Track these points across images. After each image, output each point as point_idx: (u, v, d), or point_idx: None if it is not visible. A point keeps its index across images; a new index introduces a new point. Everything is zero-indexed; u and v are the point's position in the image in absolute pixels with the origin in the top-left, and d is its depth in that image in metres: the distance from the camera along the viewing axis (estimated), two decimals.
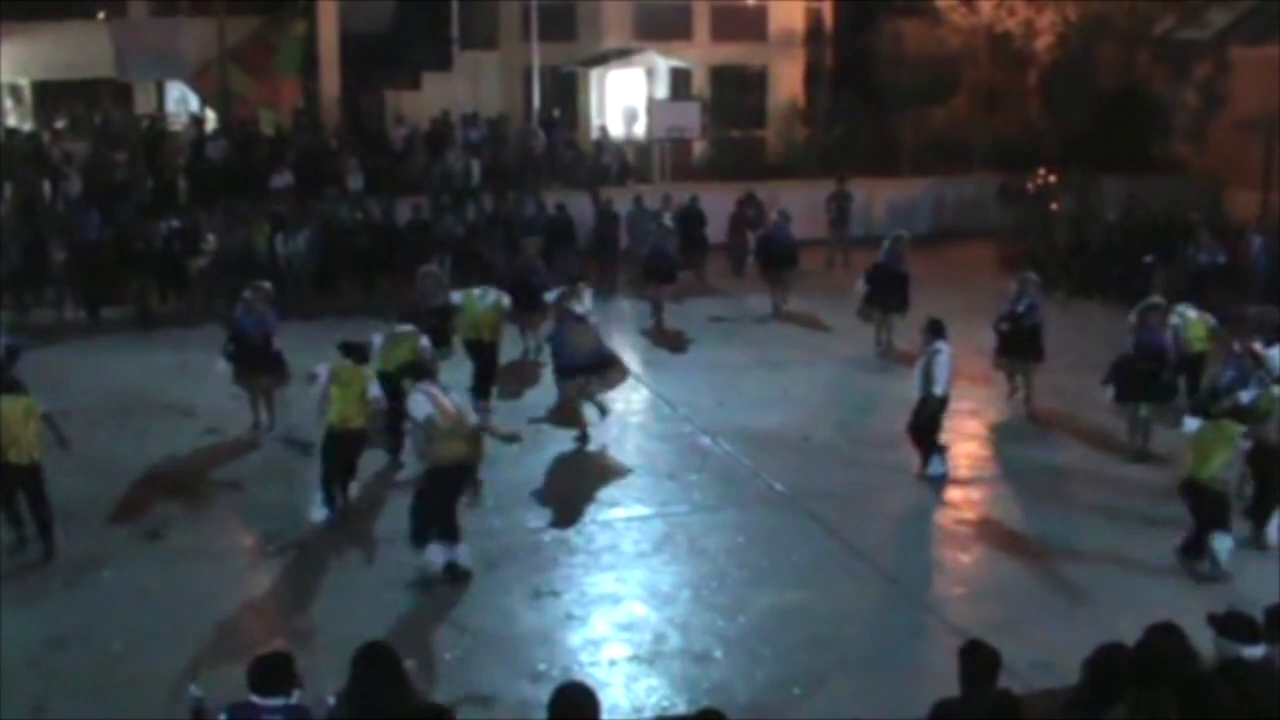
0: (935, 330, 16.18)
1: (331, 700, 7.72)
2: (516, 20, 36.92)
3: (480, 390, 19.06)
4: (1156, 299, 17.94)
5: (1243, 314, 21.03)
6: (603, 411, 18.28)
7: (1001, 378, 19.74)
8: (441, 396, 13.52)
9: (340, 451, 15.24)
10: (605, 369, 17.80)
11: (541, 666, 11.51)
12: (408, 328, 17.03)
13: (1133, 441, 17.22)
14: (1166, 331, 17.37)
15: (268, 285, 18.86)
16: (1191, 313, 18.50)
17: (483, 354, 19.34)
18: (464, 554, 13.40)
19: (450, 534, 13.35)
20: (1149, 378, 16.97)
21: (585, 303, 18.69)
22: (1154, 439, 17.09)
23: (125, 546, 14.61)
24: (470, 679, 11.19)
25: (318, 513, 14.99)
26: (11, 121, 36.81)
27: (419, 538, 13.47)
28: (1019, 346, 19.16)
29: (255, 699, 7.58)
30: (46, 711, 11.02)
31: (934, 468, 16.34)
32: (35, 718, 10.90)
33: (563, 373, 17.80)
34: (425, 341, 16.83)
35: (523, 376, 21.10)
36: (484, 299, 19.35)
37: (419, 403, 13.41)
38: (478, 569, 13.64)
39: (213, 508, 15.82)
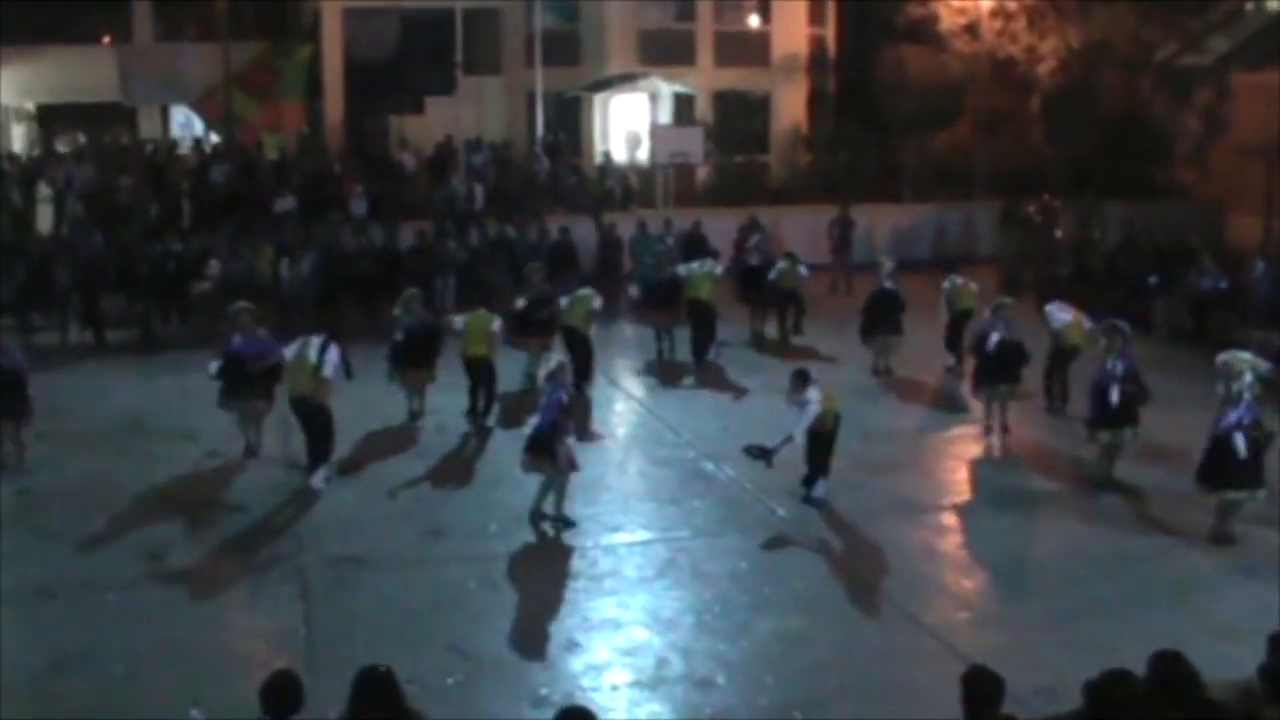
0: (803, 380, 16.15)
1: None
2: (520, 45, 37.02)
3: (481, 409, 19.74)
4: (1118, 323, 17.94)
5: (1245, 339, 21.09)
6: None
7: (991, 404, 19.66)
8: None
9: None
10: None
11: (543, 691, 11.49)
12: None
13: (1100, 468, 17.21)
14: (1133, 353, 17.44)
15: (251, 306, 18.82)
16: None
17: (481, 372, 19.76)
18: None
19: None
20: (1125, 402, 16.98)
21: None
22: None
23: (127, 568, 14.60)
24: (471, 703, 11.17)
25: None
26: (17, 145, 36.88)
27: None
28: (995, 374, 19.09)
29: (269, 719, 7.59)
30: None
31: (818, 490, 16.35)
32: None
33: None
34: None
35: (526, 402, 21.06)
36: (485, 320, 19.94)
37: None
38: (480, 592, 13.66)
39: (214, 530, 15.82)
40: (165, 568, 14.67)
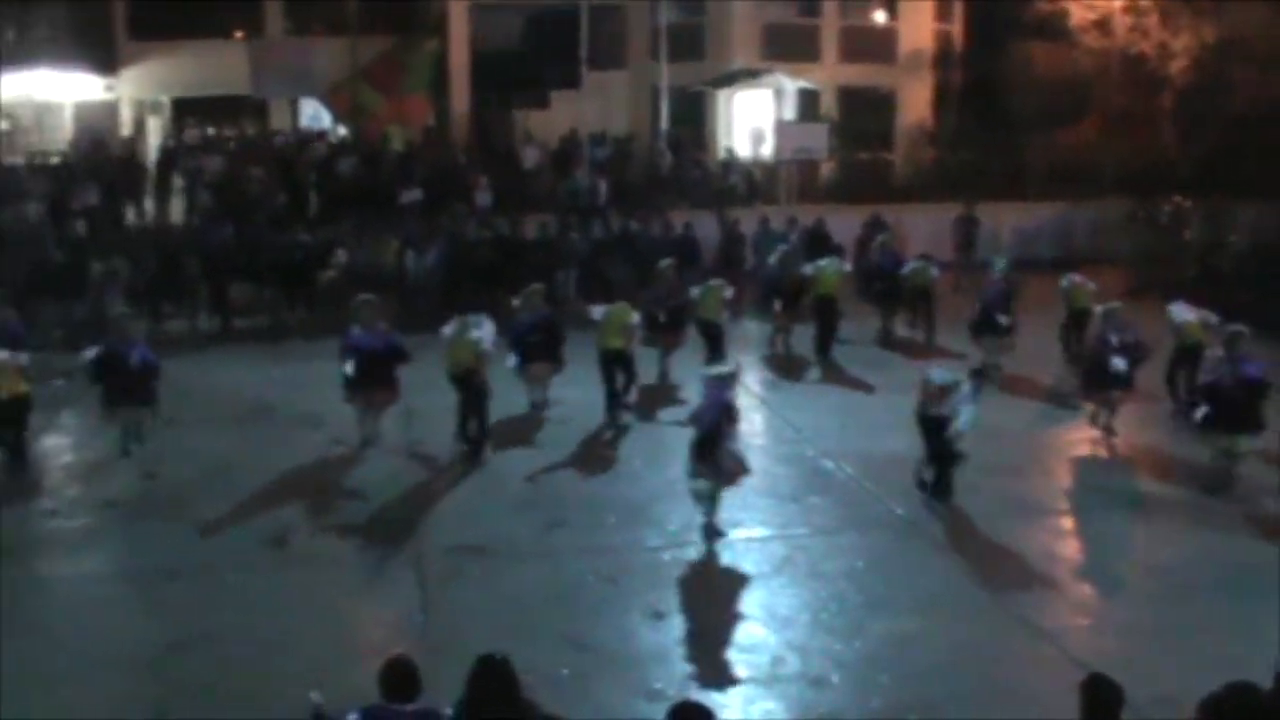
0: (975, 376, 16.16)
1: (449, 711, 7.79)
2: (645, 40, 37.10)
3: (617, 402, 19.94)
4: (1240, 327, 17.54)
5: None
6: None
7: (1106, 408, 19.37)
8: None
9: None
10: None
11: (658, 685, 11.49)
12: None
13: (1217, 474, 16.89)
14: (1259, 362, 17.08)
15: (374, 298, 19.06)
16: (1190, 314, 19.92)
17: (620, 364, 19.94)
18: None
19: None
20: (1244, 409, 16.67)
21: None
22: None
23: (250, 553, 14.84)
24: (586, 695, 11.20)
25: None
26: (152, 138, 37.59)
27: None
28: (1105, 379, 18.77)
29: (388, 703, 7.69)
30: (168, 714, 11.21)
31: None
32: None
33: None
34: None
35: (656, 396, 21.16)
36: (623, 313, 20.14)
37: None
38: (597, 585, 13.72)
39: (336, 517, 16.02)
40: (287, 553, 14.90)
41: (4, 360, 17.71)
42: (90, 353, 18.09)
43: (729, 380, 15.45)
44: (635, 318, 20.25)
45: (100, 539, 15.79)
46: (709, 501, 15.11)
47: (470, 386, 17.99)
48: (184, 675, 11.90)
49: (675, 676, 11.73)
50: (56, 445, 19.60)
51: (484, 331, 18.23)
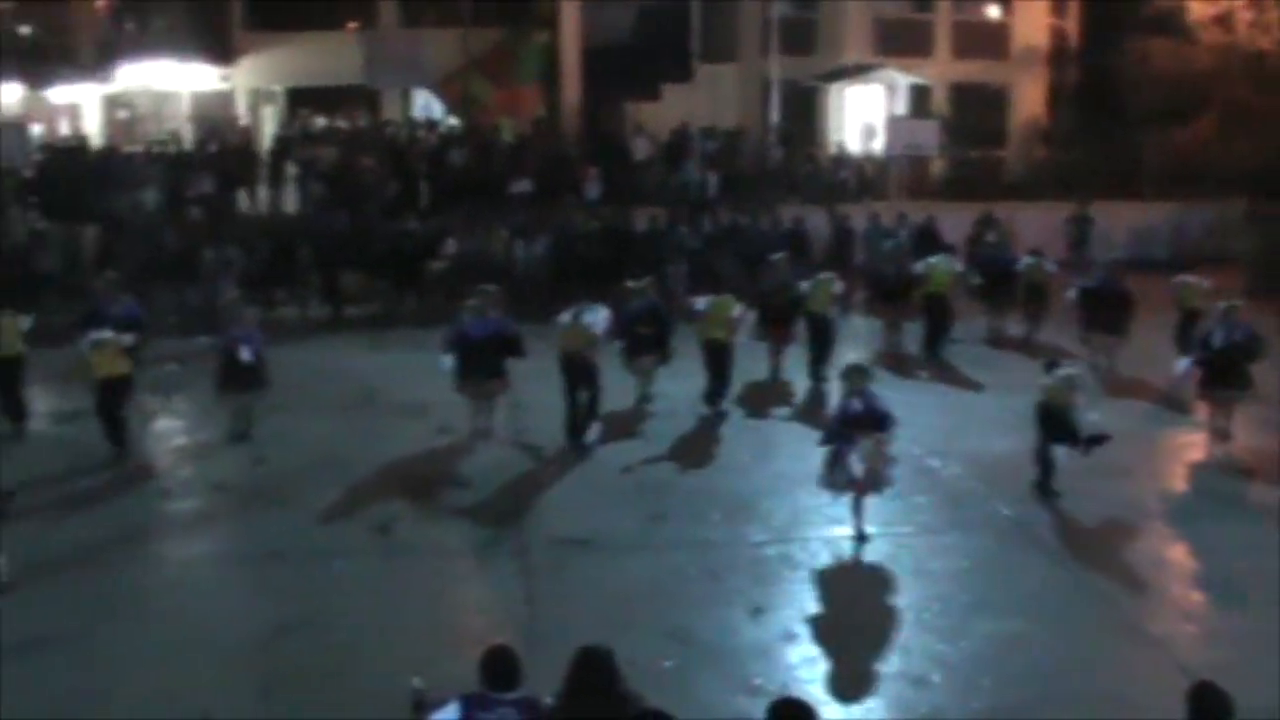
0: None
1: (549, 700, 7.81)
2: (756, 33, 36.98)
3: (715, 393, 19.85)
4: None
5: None
6: None
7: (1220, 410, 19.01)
8: None
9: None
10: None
11: (758, 681, 11.45)
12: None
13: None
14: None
15: (493, 288, 19.15)
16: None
17: (718, 357, 19.85)
18: None
19: None
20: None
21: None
22: None
23: (355, 539, 14.99)
24: (686, 688, 11.17)
25: None
26: (267, 127, 38.06)
27: None
28: (1221, 378, 18.42)
29: (488, 691, 7.73)
30: (273, 695, 11.36)
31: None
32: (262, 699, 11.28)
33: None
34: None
35: (767, 392, 21.12)
36: (726, 305, 20.09)
37: None
38: (700, 579, 13.71)
39: (441, 505, 16.15)
40: (392, 540, 15.02)
41: (108, 340, 18.00)
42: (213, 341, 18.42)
43: (858, 381, 15.09)
44: (737, 310, 20.19)
45: (210, 522, 16.01)
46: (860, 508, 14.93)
47: (580, 369, 18.06)
48: (288, 658, 12.05)
49: (776, 673, 11.69)
50: (169, 428, 19.92)
51: (598, 318, 18.32)
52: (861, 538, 14.77)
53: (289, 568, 14.20)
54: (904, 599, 13.36)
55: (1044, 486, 16.08)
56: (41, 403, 20.57)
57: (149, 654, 12.13)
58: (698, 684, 11.38)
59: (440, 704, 7.88)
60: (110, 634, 12.57)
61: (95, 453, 18.04)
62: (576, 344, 18.17)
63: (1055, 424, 15.87)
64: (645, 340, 19.67)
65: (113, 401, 18.08)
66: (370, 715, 9.81)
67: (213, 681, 11.57)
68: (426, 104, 38.23)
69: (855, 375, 15.09)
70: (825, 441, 14.97)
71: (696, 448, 18.45)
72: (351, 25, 37.55)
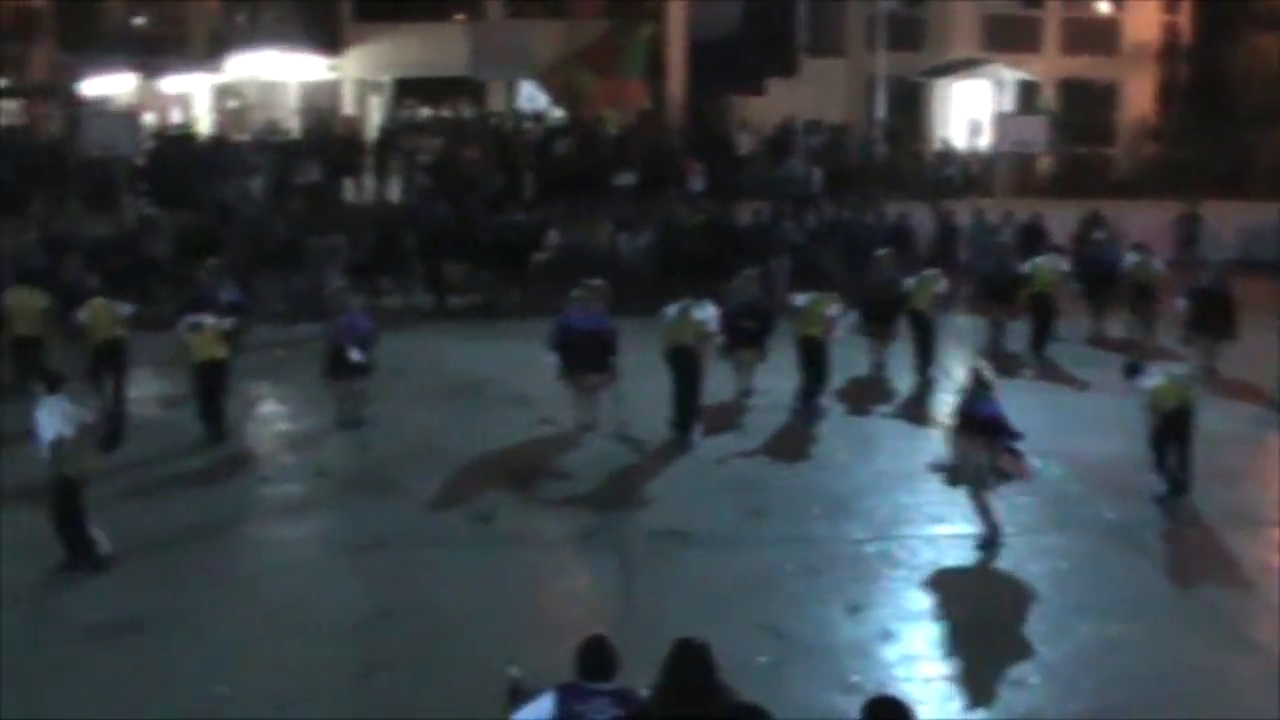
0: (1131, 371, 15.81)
1: (644, 692, 7.81)
2: (863, 28, 36.80)
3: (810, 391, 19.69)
4: None
5: None
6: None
7: None
8: None
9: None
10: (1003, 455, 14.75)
11: (855, 679, 11.40)
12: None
13: None
14: None
15: (600, 282, 19.19)
16: None
17: (813, 353, 19.68)
18: None
19: None
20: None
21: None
22: None
23: (456, 527, 15.12)
24: (781, 684, 11.14)
25: None
26: (373, 118, 38.42)
27: None
28: None
29: (584, 681, 7.76)
30: (371, 678, 11.49)
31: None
32: (360, 682, 11.41)
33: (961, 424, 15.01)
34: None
35: (869, 388, 21.02)
36: (823, 302, 19.93)
37: None
38: (797, 575, 13.68)
39: (542, 496, 16.22)
40: (492, 530, 15.11)
41: (206, 325, 18.25)
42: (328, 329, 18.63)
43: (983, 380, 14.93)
44: (833, 308, 20.02)
45: (311, 507, 16.20)
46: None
47: (686, 364, 18.08)
48: (386, 643, 12.17)
49: (872, 671, 11.64)
50: (273, 414, 20.19)
51: (707, 314, 18.36)
52: (986, 541, 14.56)
53: (389, 554, 14.34)
54: (1003, 599, 13.25)
55: (1179, 486, 15.78)
56: (146, 387, 20.91)
57: (249, 635, 12.32)
58: (793, 680, 11.36)
59: (536, 693, 7.92)
60: (211, 615, 12.76)
61: (197, 437, 18.34)
62: (685, 337, 18.18)
63: (1175, 425, 15.62)
64: (747, 334, 19.64)
65: (209, 385, 18.34)
66: (466, 702, 9.87)
67: (312, 663, 11.74)
68: (532, 95, 38.39)
69: (981, 387, 14.82)
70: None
71: (796, 443, 18.38)
72: (458, 16, 37.80)
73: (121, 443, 17.36)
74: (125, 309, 19.81)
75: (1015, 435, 14.57)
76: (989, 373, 15.15)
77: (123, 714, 10.81)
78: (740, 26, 36.69)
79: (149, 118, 37.14)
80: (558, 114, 36.78)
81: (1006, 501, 15.75)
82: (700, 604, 12.69)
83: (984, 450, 14.45)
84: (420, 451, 17.82)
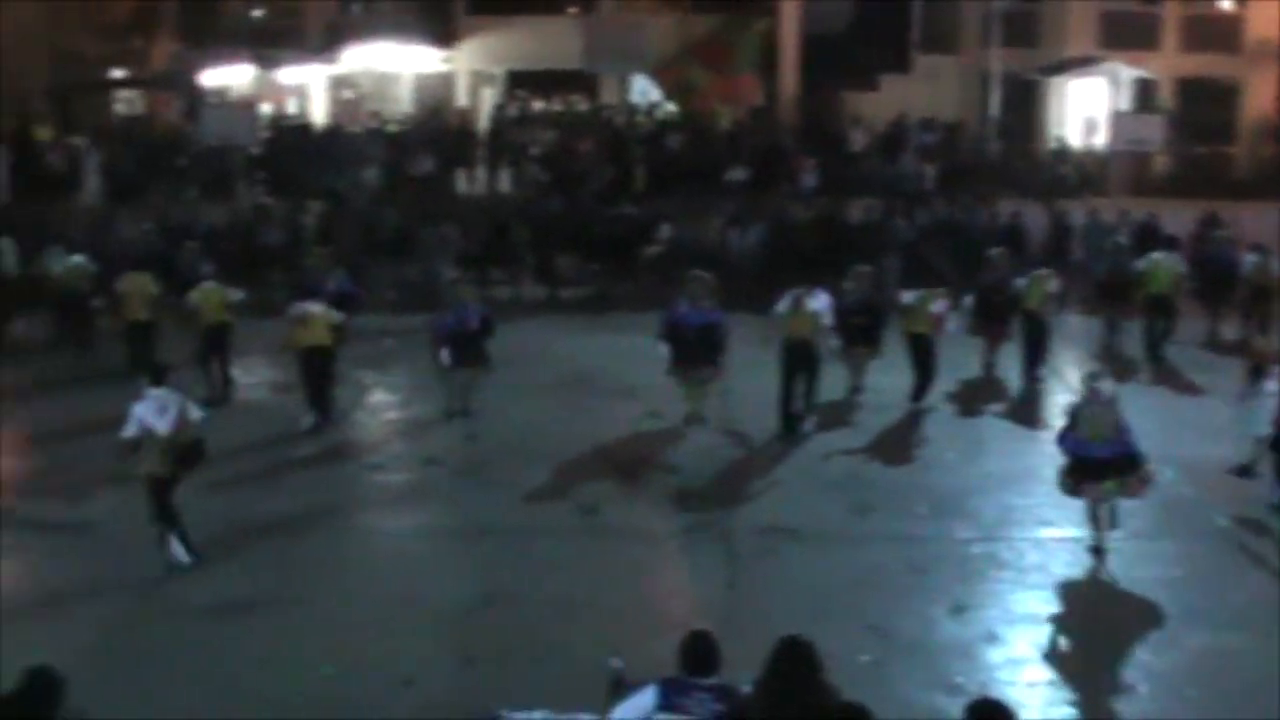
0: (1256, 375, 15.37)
1: (746, 688, 7.81)
2: (977, 25, 36.45)
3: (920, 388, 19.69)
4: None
5: None
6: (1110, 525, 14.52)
7: None
8: None
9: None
10: (1124, 473, 14.18)
11: (959, 680, 11.33)
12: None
13: None
14: None
15: (707, 275, 19.18)
16: None
17: (921, 350, 19.67)
18: None
19: None
20: None
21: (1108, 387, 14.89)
22: None
23: (561, 519, 15.21)
24: (884, 683, 11.08)
25: None
26: (487, 109, 38.63)
27: None
28: None
29: (686, 676, 7.77)
30: (474, 665, 11.61)
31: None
32: (463, 667, 11.54)
33: (1070, 466, 14.39)
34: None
35: (979, 389, 20.85)
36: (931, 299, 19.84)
37: None
38: (903, 574, 13.61)
39: (648, 489, 16.27)
40: (598, 520, 15.20)
41: (316, 314, 18.47)
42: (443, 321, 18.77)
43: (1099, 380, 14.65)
44: (939, 305, 19.85)
45: (420, 495, 16.39)
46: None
47: (804, 358, 18.05)
48: (491, 631, 12.29)
49: (976, 673, 11.57)
50: (384, 402, 20.43)
51: (820, 304, 18.27)
52: (1099, 549, 14.29)
53: (495, 543, 14.47)
54: (1112, 605, 13.13)
55: None
56: (258, 373, 21.24)
57: (355, 620, 12.48)
58: (896, 680, 11.32)
59: (638, 686, 7.94)
60: (319, 598, 12.98)
61: (307, 423, 18.63)
62: (802, 330, 18.12)
63: None
64: (859, 332, 19.54)
65: (317, 373, 18.57)
66: (568, 692, 9.90)
67: (417, 648, 11.87)
68: (644, 89, 38.42)
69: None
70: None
71: (905, 442, 18.31)
72: (572, 10, 37.92)
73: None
74: (236, 294, 20.20)
75: (1138, 465, 14.22)
76: (1107, 391, 14.62)
77: (230, 693, 10.99)
78: (854, 22, 36.47)
79: (266, 108, 37.65)
80: (670, 108, 36.79)
81: (1117, 506, 15.57)
82: (804, 601, 12.68)
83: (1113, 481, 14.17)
84: (528, 442, 17.92)
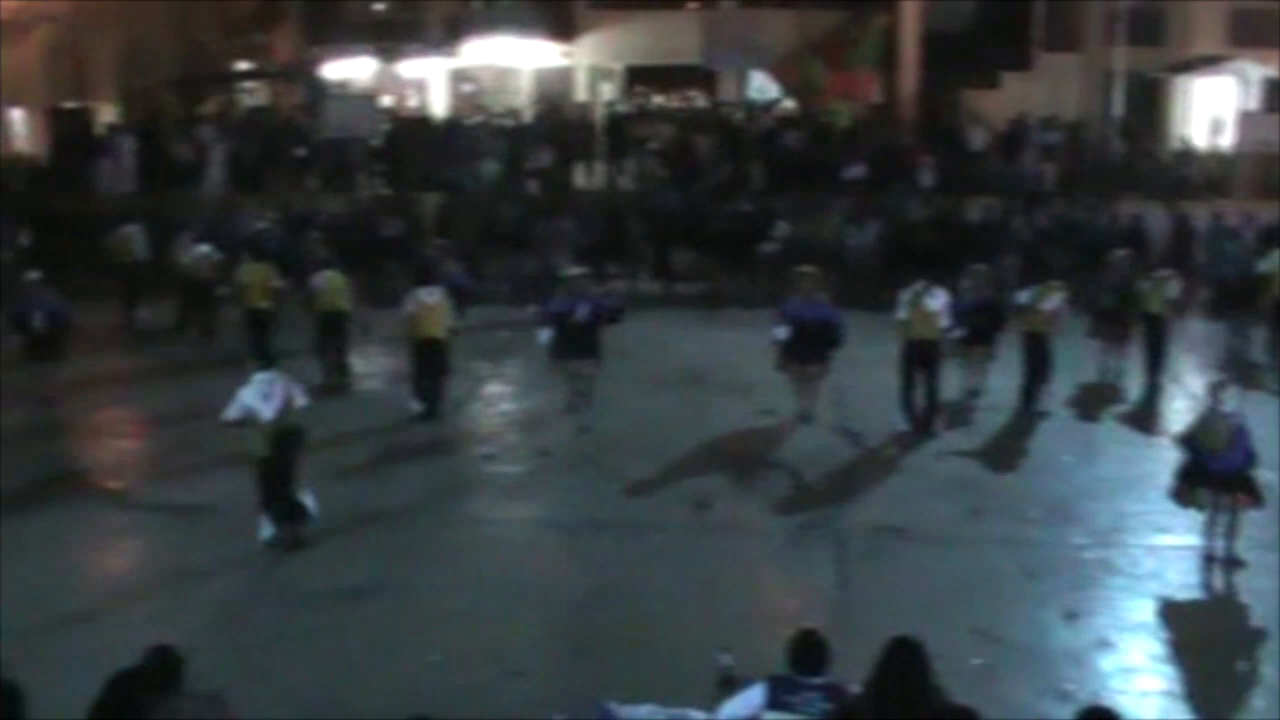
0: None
1: (854, 688, 7.79)
2: (1101, 23, 35.97)
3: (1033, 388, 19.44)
4: None
5: None
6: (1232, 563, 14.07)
7: None
8: None
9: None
10: (1239, 487, 13.96)
11: (1070, 687, 11.20)
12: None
13: None
14: None
15: (813, 270, 19.10)
16: None
17: (1038, 349, 19.37)
18: None
19: None
20: None
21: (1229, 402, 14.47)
22: None
23: (673, 513, 15.23)
24: (993, 688, 10.98)
25: None
26: (605, 104, 38.76)
27: None
28: None
29: (795, 674, 7.76)
30: (584, 655, 11.68)
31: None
32: (574, 659, 11.60)
33: (1185, 474, 14.19)
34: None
35: (1097, 392, 20.60)
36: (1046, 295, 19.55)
37: None
38: (1015, 578, 13.49)
39: (760, 486, 16.26)
40: (709, 516, 15.21)
41: (432, 304, 18.63)
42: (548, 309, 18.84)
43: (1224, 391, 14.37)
44: (1052, 302, 19.53)
45: (532, 486, 16.50)
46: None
47: (927, 357, 18.03)
48: (600, 623, 12.35)
49: (1088, 680, 11.42)
50: (498, 393, 20.59)
51: (939, 303, 18.12)
52: (1211, 558, 14.04)
53: (606, 536, 14.53)
54: (1228, 615, 12.91)
55: None
56: (374, 363, 21.52)
57: (466, 607, 12.62)
58: (1006, 685, 11.21)
59: (747, 683, 7.95)
60: (429, 586, 13.12)
61: (421, 412, 18.88)
62: (924, 330, 18.01)
63: None
64: (976, 332, 19.35)
65: (431, 363, 18.77)
66: (676, 687, 9.93)
67: (526, 639, 11.97)
68: (763, 86, 38.35)
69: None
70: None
71: (1019, 444, 18.13)
72: (691, 5, 37.91)
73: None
74: (351, 284, 20.50)
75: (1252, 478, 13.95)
76: (1230, 402, 14.28)
77: (341, 677, 11.17)
78: (975, 19, 36.17)
79: (386, 101, 38.05)
80: (788, 104, 36.69)
81: (1239, 516, 15.30)
82: (914, 602, 12.60)
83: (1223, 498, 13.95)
84: (640, 436, 17.99)
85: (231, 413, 13.75)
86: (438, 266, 20.80)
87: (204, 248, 23.90)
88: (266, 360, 14.28)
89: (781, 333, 18.30)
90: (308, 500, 14.05)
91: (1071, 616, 12.68)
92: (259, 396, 13.69)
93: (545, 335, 18.48)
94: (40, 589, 12.88)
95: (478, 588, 13.11)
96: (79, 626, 12.16)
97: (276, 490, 13.84)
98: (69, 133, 33.33)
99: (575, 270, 20.08)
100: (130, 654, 7.97)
